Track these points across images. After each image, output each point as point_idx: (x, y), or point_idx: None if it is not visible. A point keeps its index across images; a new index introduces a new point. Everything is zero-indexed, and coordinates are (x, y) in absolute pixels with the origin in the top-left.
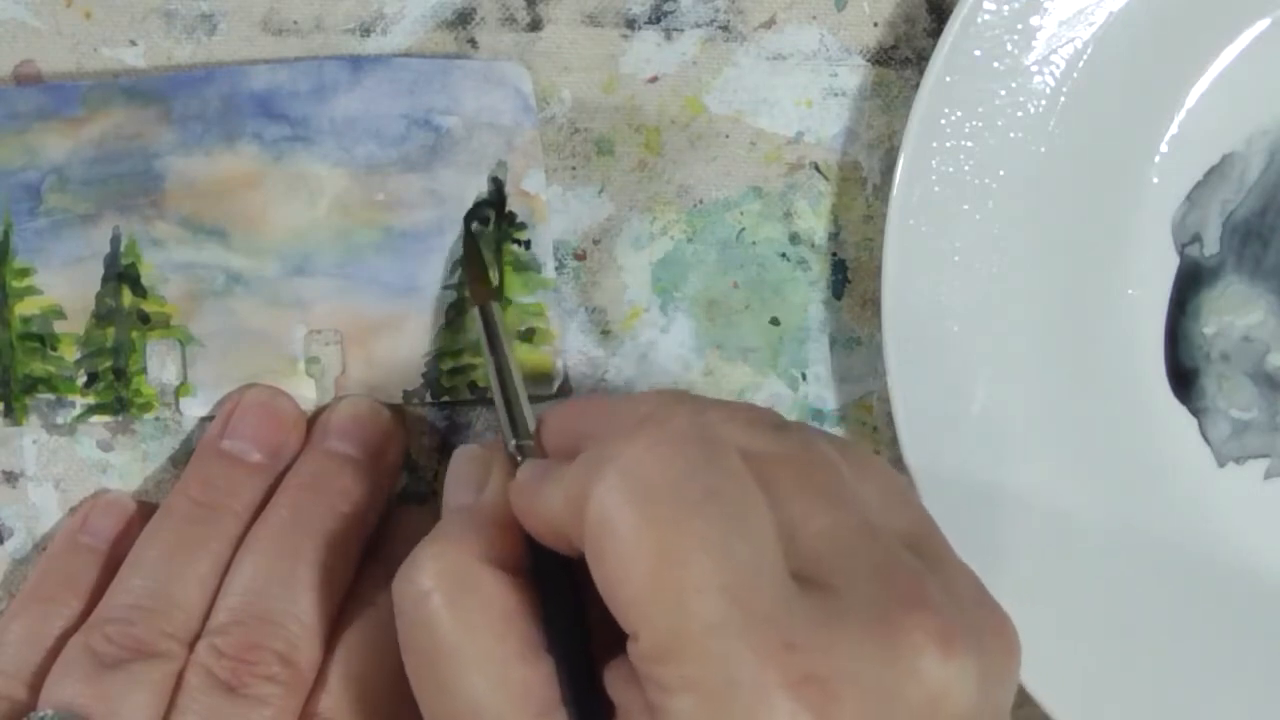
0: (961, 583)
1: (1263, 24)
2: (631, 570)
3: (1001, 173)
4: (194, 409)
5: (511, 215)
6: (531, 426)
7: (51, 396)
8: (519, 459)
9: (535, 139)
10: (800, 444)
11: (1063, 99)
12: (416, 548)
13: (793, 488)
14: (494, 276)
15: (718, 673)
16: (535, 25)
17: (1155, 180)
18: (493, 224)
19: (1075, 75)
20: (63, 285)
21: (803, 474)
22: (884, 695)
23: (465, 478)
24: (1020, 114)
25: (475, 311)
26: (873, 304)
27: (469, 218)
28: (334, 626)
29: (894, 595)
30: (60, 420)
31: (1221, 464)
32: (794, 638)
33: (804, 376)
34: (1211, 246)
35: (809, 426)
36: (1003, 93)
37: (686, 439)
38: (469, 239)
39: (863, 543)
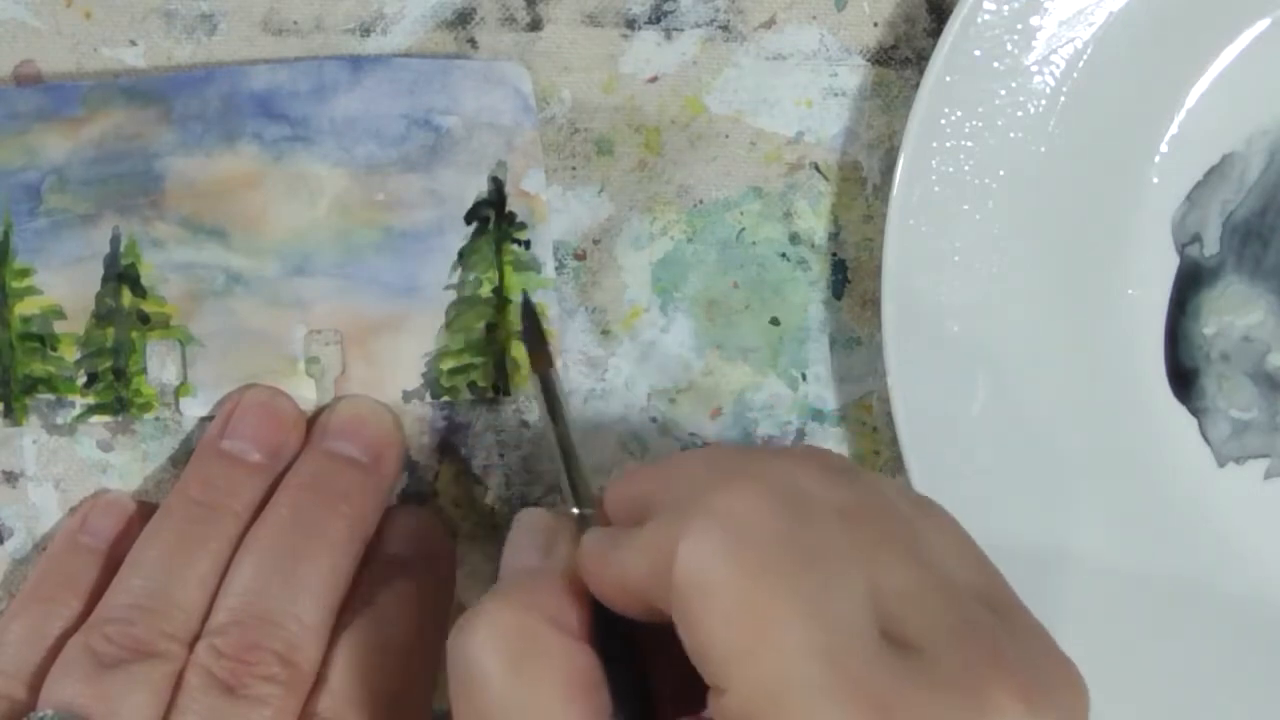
0: (1032, 638)
1: (1263, 24)
2: (727, 626)
3: (1001, 173)
4: (194, 409)
5: (511, 215)
6: (592, 493)
7: (51, 396)
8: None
9: (535, 139)
10: (871, 494)
11: (1063, 99)
12: (476, 605)
13: (873, 544)
14: (551, 341)
15: None
16: (535, 25)
17: (1155, 180)
18: (493, 224)
19: (1075, 75)
20: (63, 285)
21: (882, 529)
22: None
23: (529, 540)
24: (1020, 114)
25: (534, 378)
26: (873, 304)
27: (525, 301)
28: (334, 626)
29: (976, 655)
30: (60, 420)
31: (1221, 464)
32: (886, 700)
33: (804, 376)
34: (1211, 246)
35: (875, 474)
36: (1003, 93)
37: (781, 494)
38: (528, 310)
39: (943, 602)
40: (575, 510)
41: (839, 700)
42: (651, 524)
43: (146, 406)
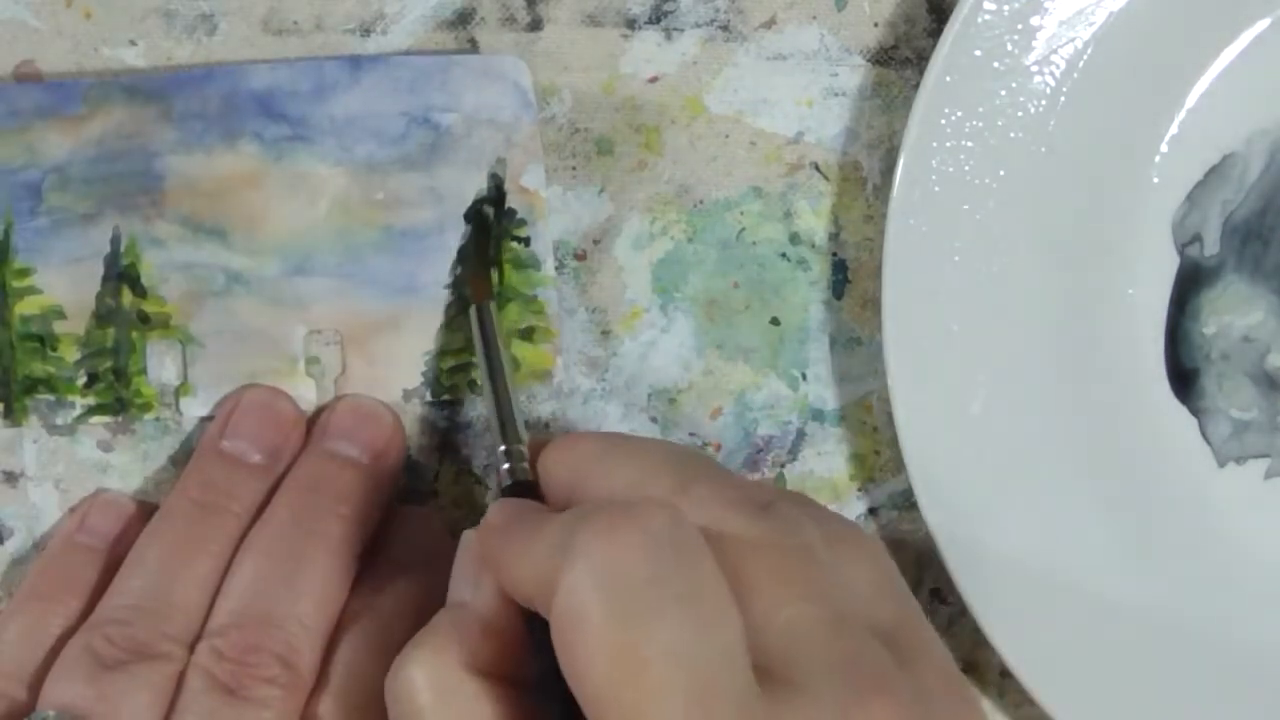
0: (933, 673)
1: (1263, 24)
2: (594, 667)
3: (1001, 173)
4: (194, 409)
5: (511, 212)
6: (522, 430)
7: (51, 397)
8: (506, 465)
9: (535, 133)
10: (782, 528)
11: (1063, 99)
12: (407, 645)
13: (765, 578)
14: (494, 277)
15: None
16: (535, 25)
17: (1155, 180)
18: (493, 221)
19: (1075, 75)
20: (63, 285)
21: (777, 563)
22: None
23: (462, 570)
24: (1020, 114)
25: (470, 311)
26: (873, 304)
27: (477, 214)
28: (334, 628)
29: (854, 686)
30: (60, 421)
31: (1221, 464)
32: None
33: (804, 376)
34: (1211, 246)
35: (800, 505)
36: (1003, 93)
37: (660, 540)
38: (480, 233)
39: (828, 634)
40: (503, 448)
41: None
42: (547, 532)
43: (146, 407)
